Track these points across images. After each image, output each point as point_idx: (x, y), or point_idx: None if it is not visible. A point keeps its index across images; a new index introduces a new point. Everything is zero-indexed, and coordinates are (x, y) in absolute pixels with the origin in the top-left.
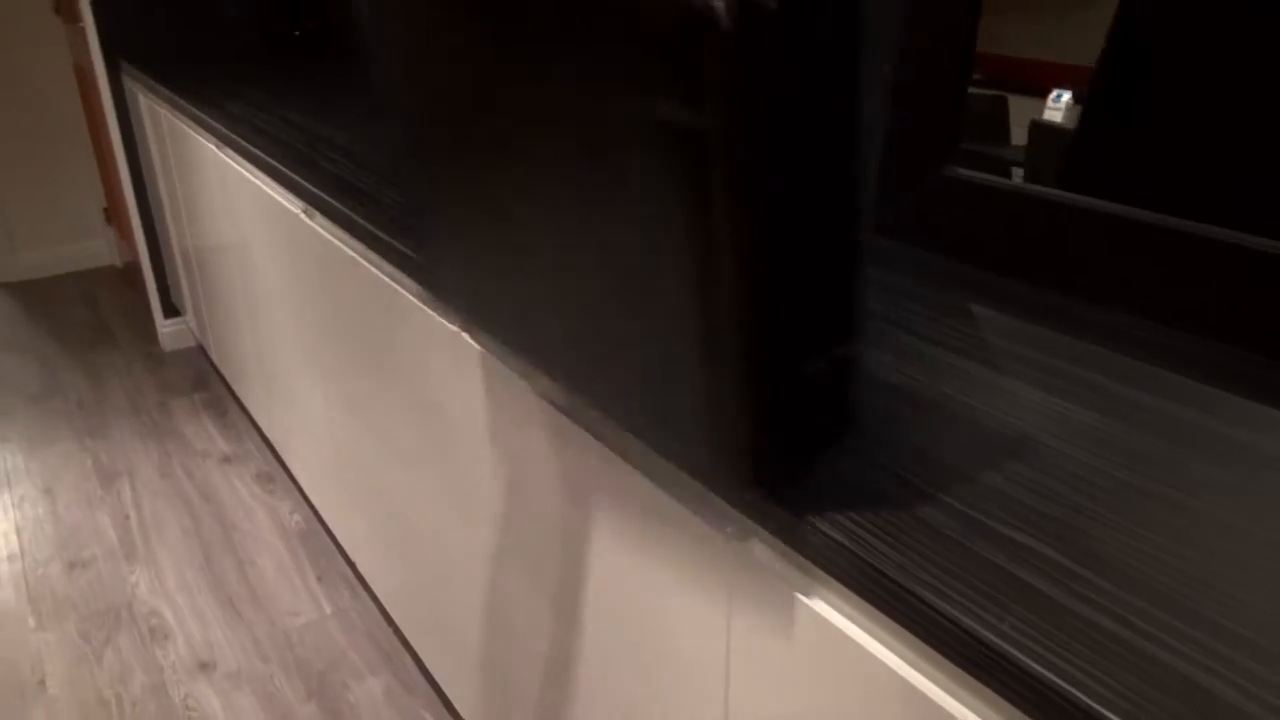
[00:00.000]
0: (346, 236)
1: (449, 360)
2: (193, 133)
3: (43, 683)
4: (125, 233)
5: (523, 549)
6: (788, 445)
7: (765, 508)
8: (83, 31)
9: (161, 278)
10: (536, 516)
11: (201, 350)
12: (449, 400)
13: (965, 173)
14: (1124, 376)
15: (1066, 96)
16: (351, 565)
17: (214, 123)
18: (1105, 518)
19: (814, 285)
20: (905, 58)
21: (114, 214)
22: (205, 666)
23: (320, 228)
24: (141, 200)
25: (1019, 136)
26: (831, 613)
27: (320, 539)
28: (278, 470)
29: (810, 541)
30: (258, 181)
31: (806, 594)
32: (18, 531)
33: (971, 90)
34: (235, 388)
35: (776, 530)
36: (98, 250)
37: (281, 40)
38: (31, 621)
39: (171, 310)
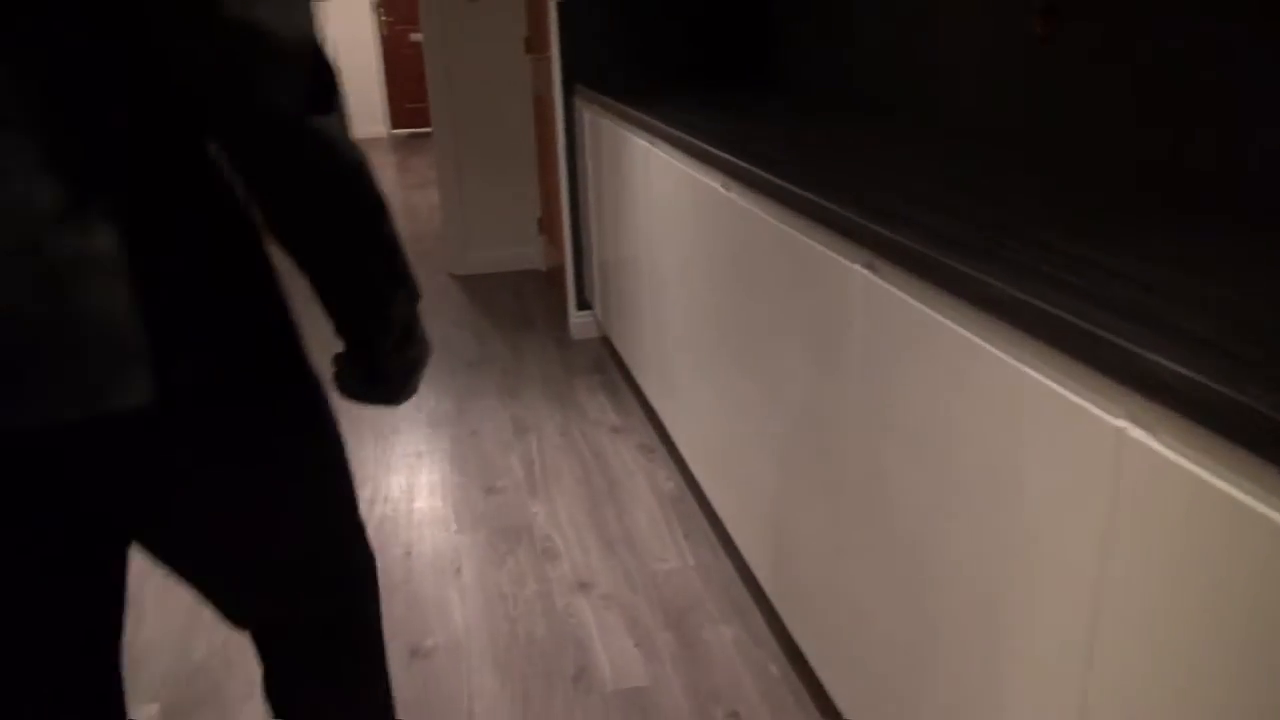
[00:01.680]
0: (765, 201)
1: (856, 307)
2: (628, 133)
3: (459, 571)
4: (554, 239)
5: (890, 531)
6: None
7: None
8: (546, 63)
9: (578, 276)
10: (911, 503)
11: (603, 341)
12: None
13: None
14: None
15: None
16: (716, 528)
17: (650, 119)
18: None
19: None
20: None
21: (546, 224)
22: (584, 586)
23: (737, 197)
24: (573, 210)
25: None
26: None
27: (689, 504)
28: (657, 443)
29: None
30: (681, 164)
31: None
32: (450, 460)
33: None
34: (631, 370)
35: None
36: (528, 255)
37: (708, 71)
38: (454, 526)
39: (583, 305)
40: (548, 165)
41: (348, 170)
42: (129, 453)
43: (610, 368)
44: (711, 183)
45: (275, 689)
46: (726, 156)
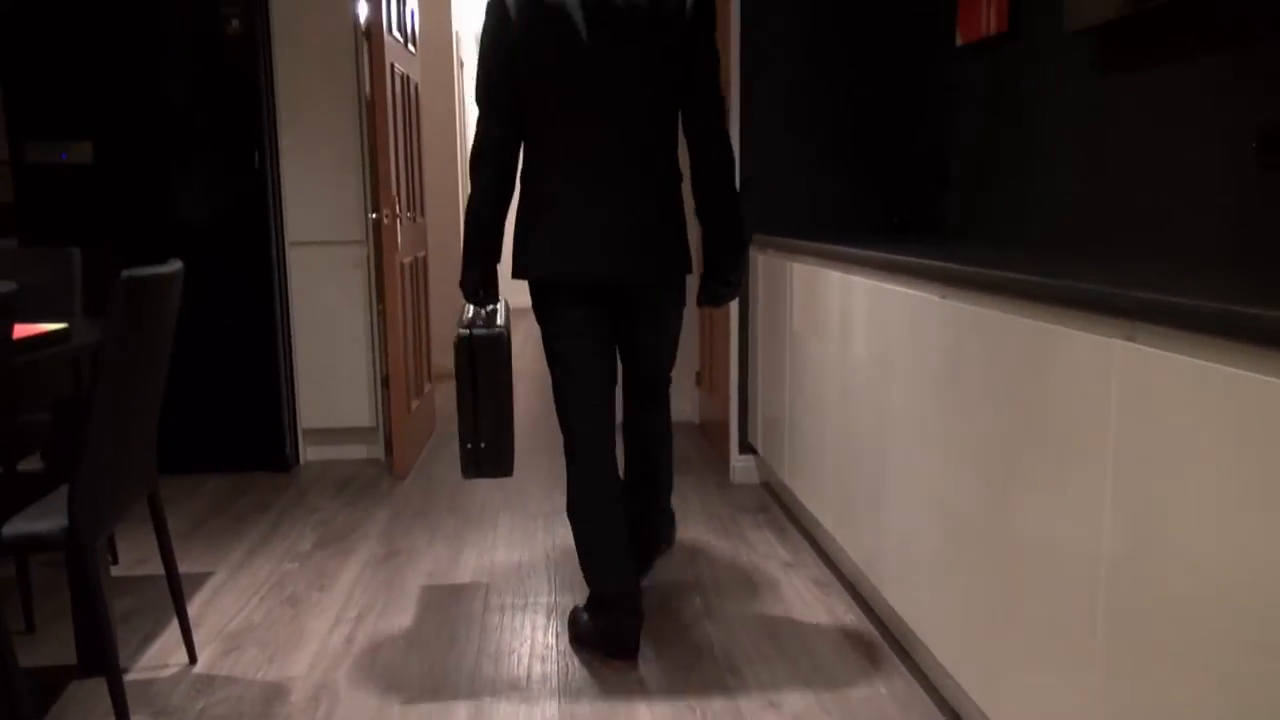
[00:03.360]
0: (994, 299)
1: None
2: (820, 268)
3: (642, 681)
4: (715, 391)
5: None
6: None
7: None
8: None
9: (742, 420)
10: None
11: (764, 486)
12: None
13: None
14: None
15: None
16: (905, 660)
17: (849, 249)
18: None
19: None
20: None
21: (705, 377)
22: (773, 704)
23: (957, 303)
24: (742, 354)
25: None
26: None
27: (872, 635)
28: (831, 580)
29: None
30: (885, 284)
31: None
32: None
33: None
34: (806, 506)
35: None
36: (681, 409)
37: (882, 226)
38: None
39: (745, 449)
40: (712, 320)
41: (728, 160)
42: (642, 296)
43: (774, 509)
44: (926, 295)
45: (632, 418)
46: (945, 265)
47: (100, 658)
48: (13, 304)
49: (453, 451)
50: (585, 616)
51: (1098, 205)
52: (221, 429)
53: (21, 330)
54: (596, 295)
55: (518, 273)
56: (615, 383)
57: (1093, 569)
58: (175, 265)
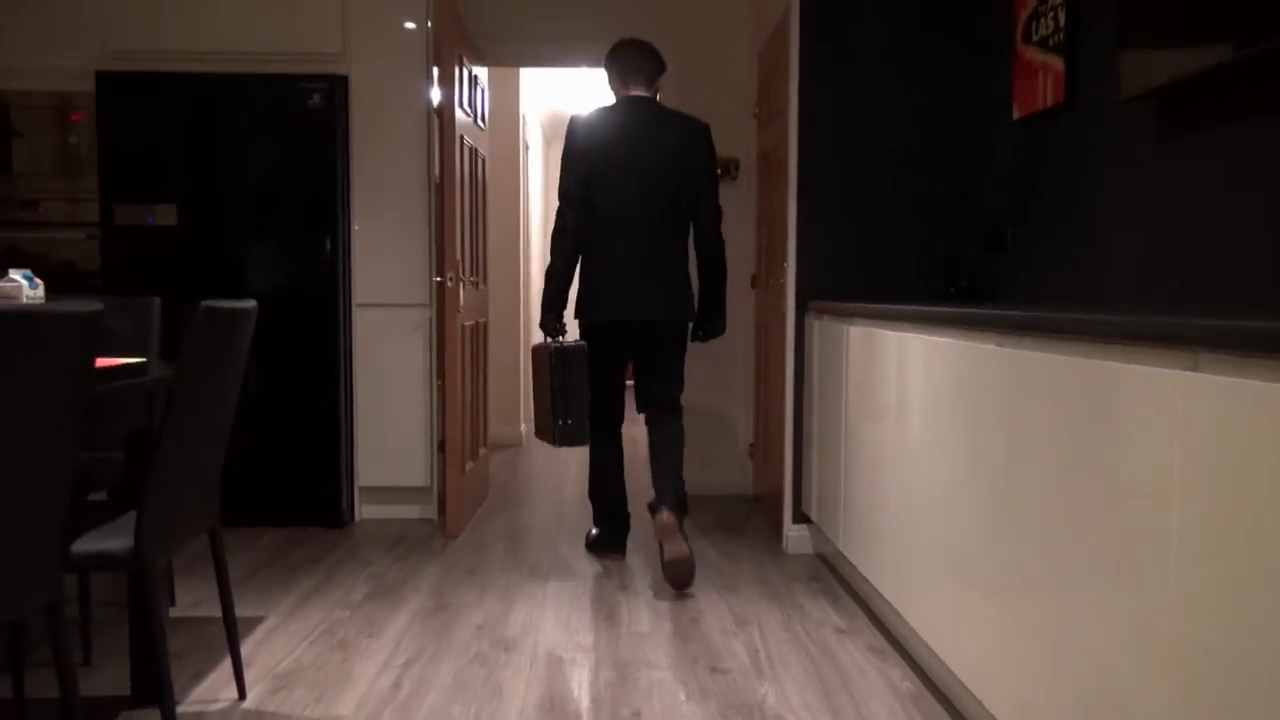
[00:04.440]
0: (1051, 341)
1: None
2: (875, 329)
3: None
4: (769, 461)
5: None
6: None
7: None
8: (768, 292)
9: (796, 490)
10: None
11: (818, 557)
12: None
13: None
14: None
15: None
16: None
17: (903, 306)
18: None
19: None
20: None
21: (759, 448)
22: None
23: (1014, 350)
24: (797, 423)
25: None
26: None
27: (930, 703)
28: (887, 646)
29: None
30: (943, 338)
31: None
32: (673, 640)
33: None
34: (864, 573)
35: None
36: (735, 480)
37: (942, 295)
38: (682, 695)
39: (799, 519)
40: (768, 390)
41: (721, 249)
42: (657, 333)
43: (828, 578)
44: (983, 345)
45: (654, 434)
46: (1000, 312)
47: (154, 684)
48: (99, 322)
49: (507, 516)
50: (594, 531)
51: (1157, 270)
52: (281, 484)
53: (99, 363)
54: (627, 331)
55: (579, 315)
56: (623, 394)
57: (1162, 617)
58: (250, 303)
